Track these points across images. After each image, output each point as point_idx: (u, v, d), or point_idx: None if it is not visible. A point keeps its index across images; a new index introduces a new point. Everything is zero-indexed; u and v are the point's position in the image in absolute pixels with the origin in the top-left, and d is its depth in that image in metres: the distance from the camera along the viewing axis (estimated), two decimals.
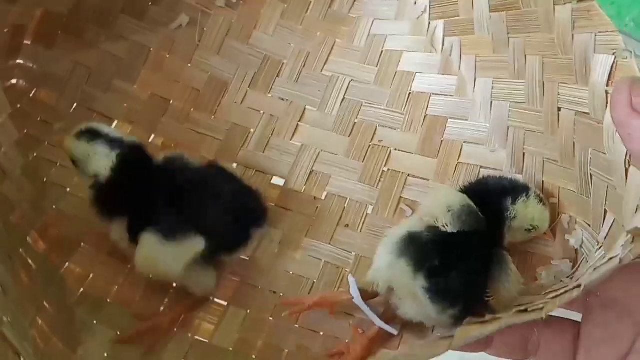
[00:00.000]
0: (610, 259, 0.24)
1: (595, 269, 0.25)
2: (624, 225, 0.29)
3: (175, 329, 0.37)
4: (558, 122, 0.37)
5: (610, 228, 0.31)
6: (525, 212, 0.36)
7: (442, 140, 0.43)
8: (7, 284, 0.31)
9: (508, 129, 0.41)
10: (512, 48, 0.40)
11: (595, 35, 0.32)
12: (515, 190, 0.36)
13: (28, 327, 0.31)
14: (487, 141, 0.42)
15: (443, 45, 0.45)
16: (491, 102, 0.42)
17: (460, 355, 0.36)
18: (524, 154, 0.40)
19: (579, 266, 0.35)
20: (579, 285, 0.24)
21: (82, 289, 0.37)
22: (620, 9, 0.48)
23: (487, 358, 0.32)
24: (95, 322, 0.36)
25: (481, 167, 0.42)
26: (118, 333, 0.36)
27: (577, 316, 0.31)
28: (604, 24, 0.32)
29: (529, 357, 0.31)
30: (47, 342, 0.32)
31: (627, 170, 0.29)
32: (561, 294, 0.25)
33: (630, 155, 0.29)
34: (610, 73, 0.31)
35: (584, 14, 0.33)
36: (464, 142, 0.43)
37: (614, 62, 0.31)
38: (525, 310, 0.25)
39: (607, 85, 0.32)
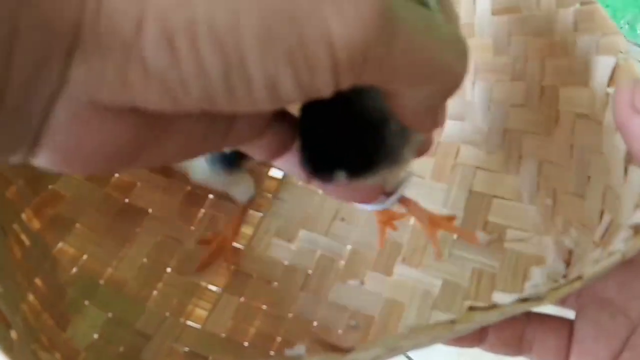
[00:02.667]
0: (613, 253, 0.24)
1: (596, 262, 0.25)
2: (623, 222, 0.29)
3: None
4: (556, 123, 0.37)
5: (607, 228, 0.32)
6: None
7: (439, 141, 0.44)
8: (0, 255, 0.30)
9: (505, 130, 0.41)
10: (513, 51, 0.40)
11: (598, 38, 0.33)
12: None
13: (19, 301, 0.30)
14: (484, 142, 0.43)
15: None
16: (489, 104, 0.42)
17: (458, 351, 0.36)
18: (520, 155, 0.40)
19: (572, 266, 0.35)
20: (580, 277, 0.24)
21: (75, 269, 0.37)
22: (615, 11, 0.49)
23: (483, 354, 0.32)
24: (87, 302, 0.36)
25: (478, 167, 0.42)
26: (110, 315, 0.36)
27: (570, 314, 0.31)
28: (606, 26, 0.32)
29: (522, 354, 0.31)
30: (38, 317, 0.31)
31: (626, 169, 0.30)
32: (562, 285, 0.25)
33: (631, 154, 0.29)
34: (611, 74, 0.32)
35: (586, 16, 0.34)
36: (461, 142, 0.43)
37: (615, 63, 0.32)
38: (526, 300, 0.25)
39: (607, 87, 0.32)
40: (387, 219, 0.39)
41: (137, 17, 0.14)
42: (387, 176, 0.26)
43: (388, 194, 0.29)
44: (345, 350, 0.25)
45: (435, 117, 0.20)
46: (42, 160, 0.16)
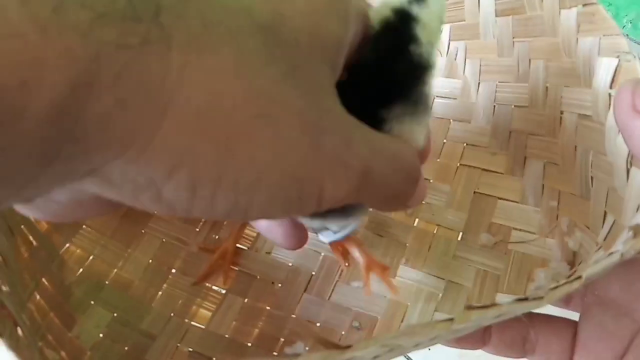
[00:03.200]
0: (612, 253, 0.24)
1: (596, 262, 0.25)
2: (624, 223, 0.29)
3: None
4: (560, 125, 0.37)
5: (610, 230, 0.32)
6: None
7: (444, 142, 0.44)
8: (7, 255, 0.31)
9: (510, 132, 0.41)
10: (517, 52, 0.40)
11: (600, 39, 0.33)
12: None
13: (26, 300, 0.31)
14: (489, 144, 0.43)
15: (448, 49, 0.45)
16: (494, 106, 0.42)
17: (460, 352, 0.36)
18: (525, 157, 0.40)
19: (576, 268, 0.35)
20: (579, 277, 0.24)
21: (81, 270, 0.37)
22: (618, 9, 0.49)
23: (485, 356, 0.32)
24: (92, 302, 0.36)
25: (482, 169, 0.42)
26: (115, 315, 0.36)
27: (574, 316, 0.31)
28: (608, 27, 0.32)
29: (526, 356, 0.31)
30: (44, 316, 0.32)
31: (628, 171, 0.30)
32: (561, 285, 0.25)
33: (632, 156, 0.29)
34: (613, 76, 0.32)
35: (588, 17, 0.34)
36: (466, 144, 0.43)
37: (617, 64, 0.32)
38: (526, 299, 0.25)
39: (610, 88, 0.32)
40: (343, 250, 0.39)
41: (173, 166, 0.15)
42: (332, 225, 0.31)
43: (335, 231, 0.33)
44: (344, 348, 0.25)
45: (405, 204, 0.24)
46: (25, 211, 0.17)
